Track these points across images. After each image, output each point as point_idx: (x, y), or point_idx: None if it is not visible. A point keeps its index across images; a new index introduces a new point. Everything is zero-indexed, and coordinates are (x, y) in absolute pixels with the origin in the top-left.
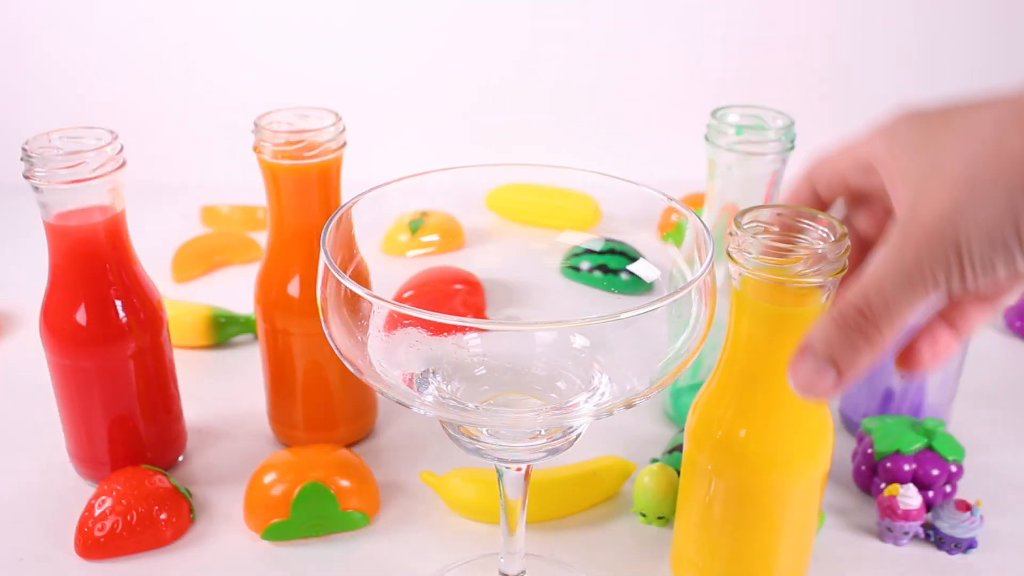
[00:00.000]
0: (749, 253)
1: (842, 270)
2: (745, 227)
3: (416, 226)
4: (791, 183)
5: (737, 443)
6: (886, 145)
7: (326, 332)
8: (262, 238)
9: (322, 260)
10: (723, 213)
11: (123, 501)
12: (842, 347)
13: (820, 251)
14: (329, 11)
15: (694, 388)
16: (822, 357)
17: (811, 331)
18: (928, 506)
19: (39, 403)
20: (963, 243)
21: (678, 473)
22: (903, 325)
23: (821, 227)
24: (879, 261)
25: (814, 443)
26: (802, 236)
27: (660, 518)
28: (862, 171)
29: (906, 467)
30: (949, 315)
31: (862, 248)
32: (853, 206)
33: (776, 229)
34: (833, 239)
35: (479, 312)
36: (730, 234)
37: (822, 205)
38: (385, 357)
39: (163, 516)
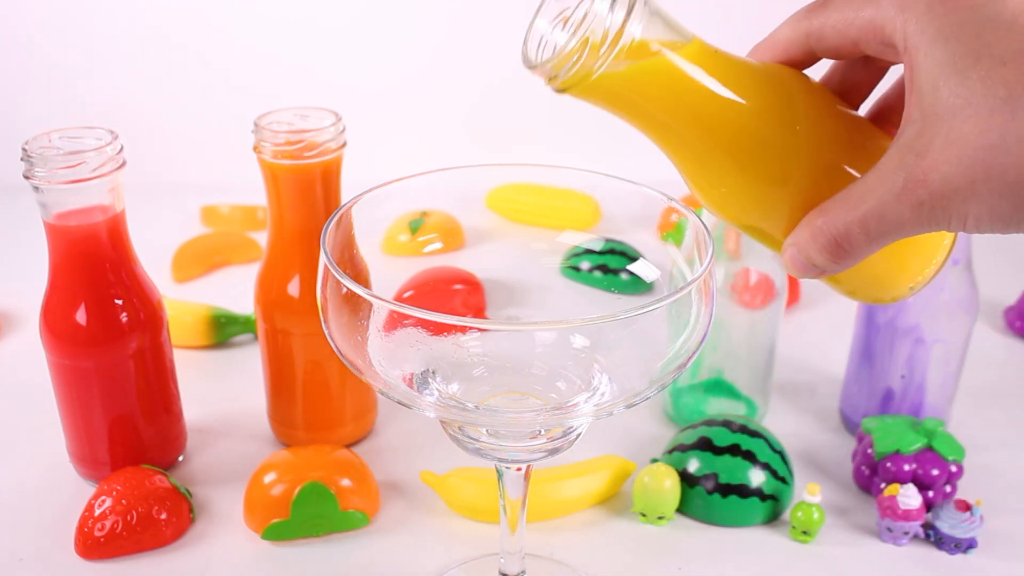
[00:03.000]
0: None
1: None
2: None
3: (416, 226)
4: (777, 35)
5: None
6: (915, 26)
7: (326, 332)
8: (262, 238)
9: (322, 260)
10: None
11: (123, 501)
12: (822, 261)
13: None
14: (329, 11)
15: (694, 388)
16: (805, 262)
17: (794, 234)
18: (928, 506)
19: (39, 403)
20: (989, 209)
21: (678, 473)
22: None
23: None
24: (876, 190)
25: None
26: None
27: (660, 518)
28: (880, 44)
29: (906, 467)
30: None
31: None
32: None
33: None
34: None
35: (479, 312)
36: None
37: (810, 62)
38: (385, 357)
39: (163, 516)
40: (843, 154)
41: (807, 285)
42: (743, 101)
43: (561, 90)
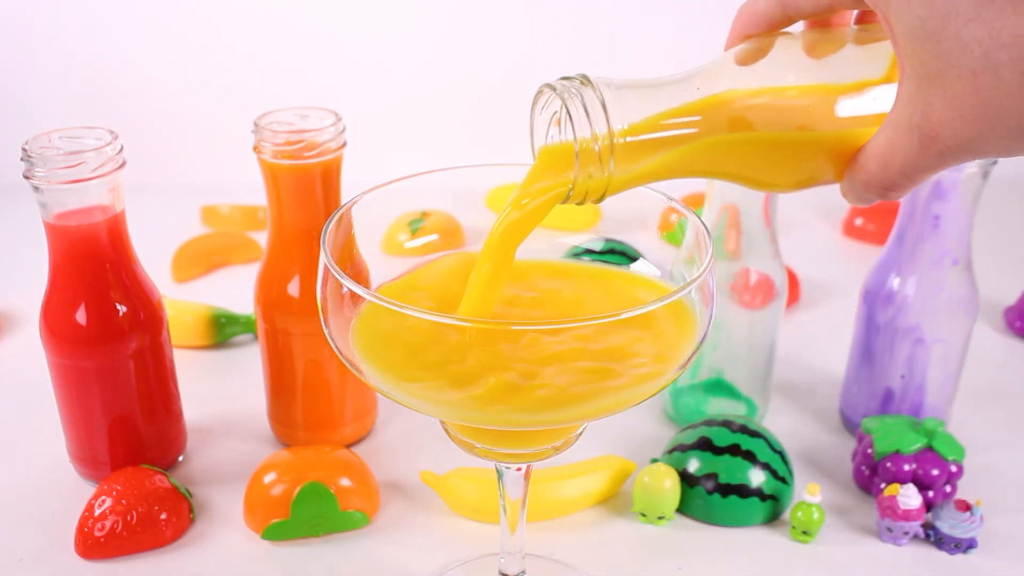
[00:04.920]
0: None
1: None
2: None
3: (416, 226)
4: (756, 7)
5: None
6: None
7: (326, 332)
8: (262, 238)
9: (322, 260)
10: (723, 213)
11: (123, 501)
12: (881, 199)
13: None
14: (329, 11)
15: (694, 388)
16: (867, 201)
17: (848, 183)
18: (928, 506)
19: (39, 403)
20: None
21: (678, 473)
22: None
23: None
24: (899, 147)
25: None
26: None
27: (660, 518)
28: (853, 2)
29: (906, 467)
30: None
31: None
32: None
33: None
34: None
35: None
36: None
37: (791, 23)
38: None
39: (163, 516)
40: (850, 90)
41: (807, 286)
42: (742, 113)
43: (599, 200)
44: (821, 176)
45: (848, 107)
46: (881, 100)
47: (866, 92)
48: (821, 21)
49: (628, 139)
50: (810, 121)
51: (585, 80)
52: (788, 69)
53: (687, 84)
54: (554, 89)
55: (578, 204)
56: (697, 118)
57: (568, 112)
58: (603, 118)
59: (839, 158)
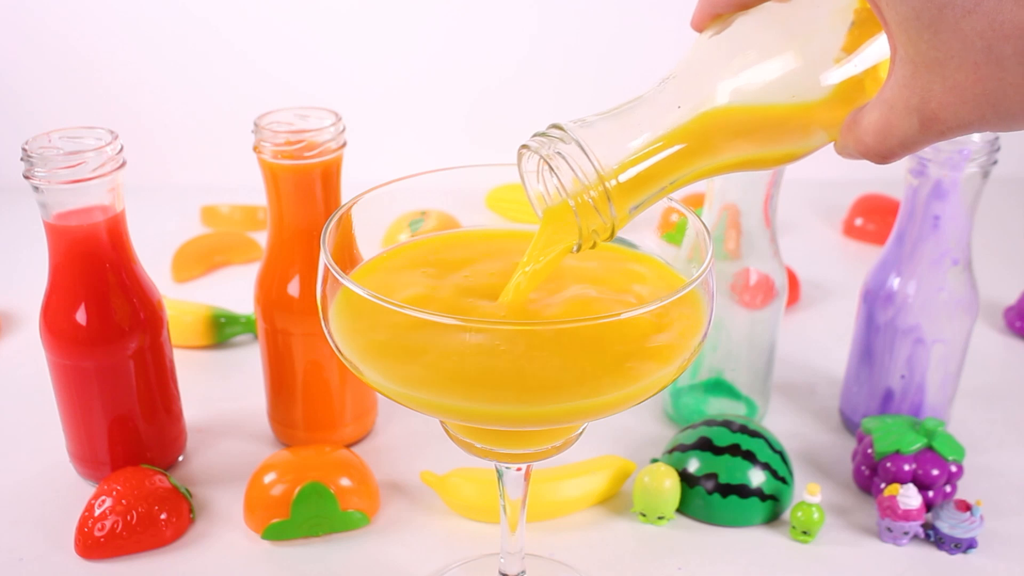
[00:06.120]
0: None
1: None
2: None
3: (416, 226)
4: None
5: None
6: None
7: (326, 332)
8: (262, 238)
9: (322, 260)
10: (723, 213)
11: (123, 501)
12: (879, 163)
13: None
14: (329, 11)
15: (694, 388)
16: (860, 159)
17: (844, 147)
18: (928, 506)
19: (39, 403)
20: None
21: (678, 473)
22: None
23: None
24: (899, 126)
25: None
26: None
27: (660, 518)
28: None
29: (906, 467)
30: None
31: None
32: None
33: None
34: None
35: None
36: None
37: (755, 2)
38: None
39: (163, 516)
40: (829, 59)
41: (807, 286)
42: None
43: (610, 239)
44: (818, 146)
45: (833, 77)
46: (860, 63)
47: (847, 60)
48: None
49: (620, 178)
50: (799, 113)
51: (561, 131)
52: (760, 30)
53: (664, 100)
54: (529, 148)
55: (591, 249)
56: (683, 145)
57: (553, 171)
58: (589, 165)
59: (832, 127)
